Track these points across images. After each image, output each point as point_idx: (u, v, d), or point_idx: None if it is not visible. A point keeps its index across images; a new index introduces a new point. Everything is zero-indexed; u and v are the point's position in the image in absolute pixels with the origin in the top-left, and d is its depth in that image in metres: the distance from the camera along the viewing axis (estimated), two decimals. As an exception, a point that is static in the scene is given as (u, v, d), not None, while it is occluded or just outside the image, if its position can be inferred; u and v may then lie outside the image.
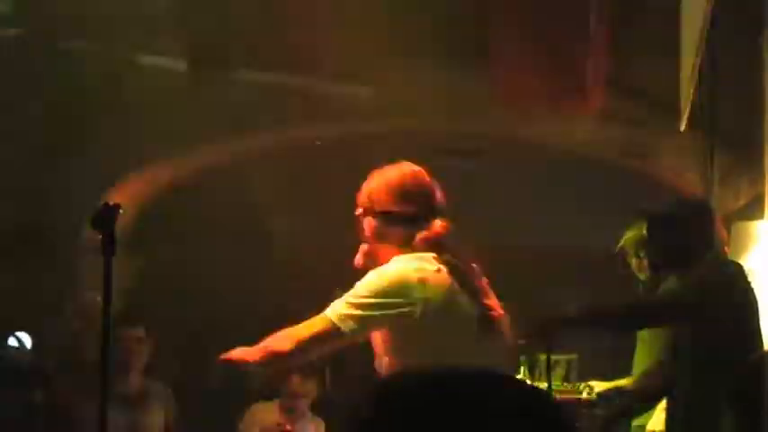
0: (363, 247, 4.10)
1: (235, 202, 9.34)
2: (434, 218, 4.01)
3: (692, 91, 6.38)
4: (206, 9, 7.90)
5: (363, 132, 9.12)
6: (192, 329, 9.55)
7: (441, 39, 8.38)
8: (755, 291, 5.15)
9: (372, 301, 3.80)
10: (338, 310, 3.82)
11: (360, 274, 4.00)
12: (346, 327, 3.79)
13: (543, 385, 4.97)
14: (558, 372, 6.42)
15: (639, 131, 8.57)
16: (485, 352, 3.85)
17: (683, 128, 7.01)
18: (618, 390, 6.14)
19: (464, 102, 8.69)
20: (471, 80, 8.51)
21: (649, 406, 5.63)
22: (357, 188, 4.18)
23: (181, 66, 8.19)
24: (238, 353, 4.02)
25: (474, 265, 4.07)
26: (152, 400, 6.92)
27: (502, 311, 4.01)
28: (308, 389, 7.33)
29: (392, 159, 4.18)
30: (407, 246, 3.97)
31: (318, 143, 9.01)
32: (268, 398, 7.56)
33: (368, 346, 4.02)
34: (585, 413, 5.95)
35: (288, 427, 6.96)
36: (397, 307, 3.80)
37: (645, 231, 5.30)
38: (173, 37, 8.14)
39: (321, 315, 3.85)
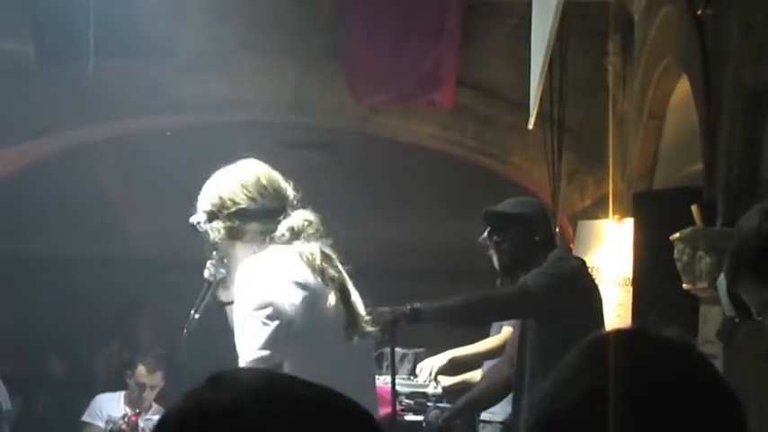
0: (212, 257, 3.98)
1: (78, 192, 9.19)
2: (291, 209, 3.93)
3: (540, 90, 6.49)
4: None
5: (215, 123, 9.07)
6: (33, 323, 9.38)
7: (296, 36, 8.40)
8: (598, 286, 5.28)
9: (263, 319, 3.68)
10: (251, 351, 3.68)
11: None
12: (265, 361, 3.66)
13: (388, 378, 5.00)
14: (406, 365, 6.45)
15: (490, 129, 8.69)
16: (351, 350, 3.86)
17: (531, 126, 7.13)
18: (465, 383, 6.22)
19: (318, 97, 8.71)
20: (325, 76, 8.53)
21: (496, 400, 5.70)
22: (209, 177, 4.05)
23: (29, 51, 8.01)
24: None
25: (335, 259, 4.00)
26: None
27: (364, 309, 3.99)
28: (154, 381, 7.26)
29: (234, 155, 4.06)
30: (266, 240, 3.86)
31: (169, 134, 8.92)
32: (113, 389, 7.48)
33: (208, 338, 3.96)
34: (431, 407, 6.00)
35: (134, 418, 6.89)
36: (282, 314, 3.70)
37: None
38: (21, 24, 7.95)
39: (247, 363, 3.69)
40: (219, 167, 3.99)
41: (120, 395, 7.33)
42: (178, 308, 4.28)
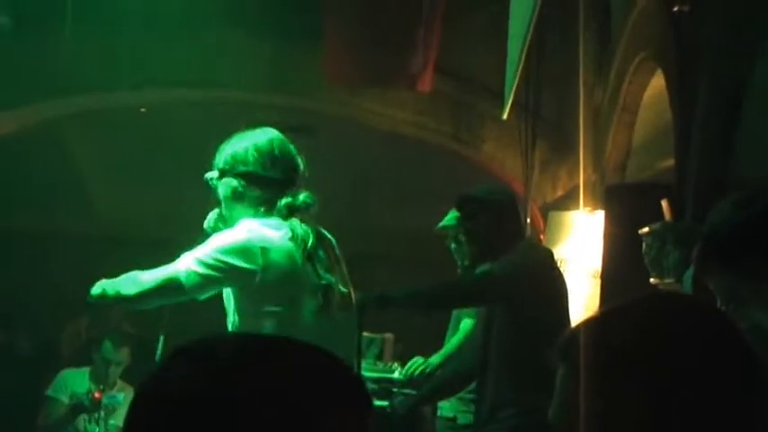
0: (215, 212, 4.12)
1: (48, 167, 9.13)
2: (296, 186, 4.05)
3: (517, 80, 6.50)
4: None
5: (192, 101, 9.04)
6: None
7: (277, 16, 8.36)
8: (565, 276, 5.29)
9: (215, 262, 3.84)
10: (188, 265, 3.85)
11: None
12: (188, 282, 3.84)
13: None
14: (372, 350, 6.46)
15: (465, 116, 8.69)
16: (326, 325, 3.92)
17: (505, 116, 7.13)
18: (430, 370, 6.22)
19: (297, 79, 8.69)
20: (305, 59, 8.51)
21: (460, 388, 5.71)
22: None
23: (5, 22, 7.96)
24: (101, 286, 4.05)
25: (329, 239, 4.13)
26: None
27: (350, 289, 4.10)
28: (120, 357, 7.24)
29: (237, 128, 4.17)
30: (265, 209, 3.99)
31: (143, 110, 8.87)
32: (79, 365, 7.45)
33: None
34: (397, 393, 6.01)
35: (98, 395, 6.87)
36: (236, 269, 3.84)
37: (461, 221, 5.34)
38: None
39: (173, 266, 3.88)
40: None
41: (86, 371, 7.30)
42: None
